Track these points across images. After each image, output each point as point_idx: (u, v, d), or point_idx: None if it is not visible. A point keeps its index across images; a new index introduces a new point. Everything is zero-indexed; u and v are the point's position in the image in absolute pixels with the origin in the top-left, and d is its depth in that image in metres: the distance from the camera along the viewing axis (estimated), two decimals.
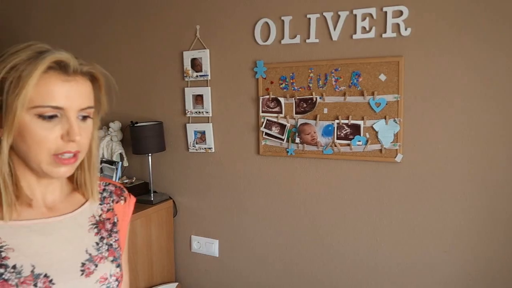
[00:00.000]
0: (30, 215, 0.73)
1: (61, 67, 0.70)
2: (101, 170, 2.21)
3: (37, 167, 0.70)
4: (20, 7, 2.66)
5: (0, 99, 0.67)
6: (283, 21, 1.89)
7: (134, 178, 2.33)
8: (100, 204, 0.86)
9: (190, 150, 2.21)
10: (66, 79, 0.70)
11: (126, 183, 2.26)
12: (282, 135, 1.95)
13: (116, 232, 0.87)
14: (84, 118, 0.73)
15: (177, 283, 2.28)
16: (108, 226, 0.86)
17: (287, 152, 1.95)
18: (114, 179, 2.12)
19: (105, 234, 0.84)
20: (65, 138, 0.69)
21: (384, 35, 1.71)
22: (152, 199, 2.17)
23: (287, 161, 1.99)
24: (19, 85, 0.66)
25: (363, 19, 1.74)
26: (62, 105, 0.69)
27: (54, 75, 0.69)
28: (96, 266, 0.79)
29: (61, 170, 0.71)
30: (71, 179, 0.83)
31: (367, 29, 1.74)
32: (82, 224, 0.80)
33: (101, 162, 2.22)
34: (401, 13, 1.67)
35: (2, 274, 0.67)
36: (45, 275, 0.70)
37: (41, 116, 0.68)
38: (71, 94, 0.70)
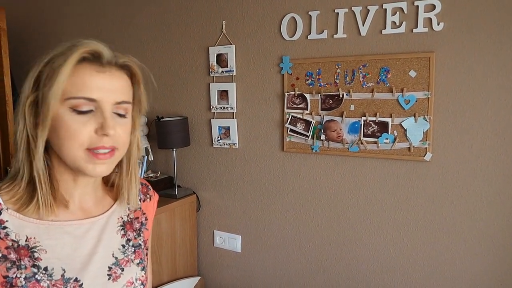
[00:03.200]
0: (65, 216, 0.72)
1: (95, 58, 0.68)
2: None
3: (73, 163, 0.68)
4: (53, 6, 2.73)
5: (36, 94, 0.67)
6: (310, 16, 1.87)
7: (159, 172, 2.36)
8: (128, 204, 0.84)
9: (214, 146, 2.22)
10: (101, 70, 0.68)
11: (151, 177, 2.29)
12: (307, 132, 1.93)
13: (144, 232, 0.86)
14: (121, 115, 0.71)
15: (199, 277, 2.30)
16: (137, 225, 0.84)
17: (312, 149, 1.93)
18: (139, 173, 2.15)
19: (132, 235, 0.82)
20: (99, 132, 0.67)
21: (415, 30, 1.66)
22: (176, 193, 2.19)
23: (311, 158, 1.96)
24: (52, 77, 0.65)
25: (393, 14, 1.69)
26: (96, 97, 0.67)
27: (88, 66, 0.67)
28: (123, 270, 0.78)
29: (97, 168, 0.68)
30: (105, 182, 0.82)
31: (397, 24, 1.69)
32: (112, 225, 0.79)
33: None
34: (433, 7, 1.62)
35: (35, 274, 0.67)
36: (76, 279, 0.70)
37: (75, 109, 0.66)
38: (106, 86, 0.68)
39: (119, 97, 0.70)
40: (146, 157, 2.23)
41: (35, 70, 0.67)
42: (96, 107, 0.67)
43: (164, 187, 2.28)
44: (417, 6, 1.64)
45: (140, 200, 0.87)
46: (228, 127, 2.16)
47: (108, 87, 0.68)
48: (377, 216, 1.84)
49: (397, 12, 1.69)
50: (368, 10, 1.74)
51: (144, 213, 0.87)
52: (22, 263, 0.66)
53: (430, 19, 1.63)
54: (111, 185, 0.83)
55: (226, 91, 2.14)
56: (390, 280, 1.85)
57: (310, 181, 1.98)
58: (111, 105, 0.69)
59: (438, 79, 1.65)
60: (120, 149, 0.71)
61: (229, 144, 2.17)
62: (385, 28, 1.72)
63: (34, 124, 0.68)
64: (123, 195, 0.80)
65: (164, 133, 2.16)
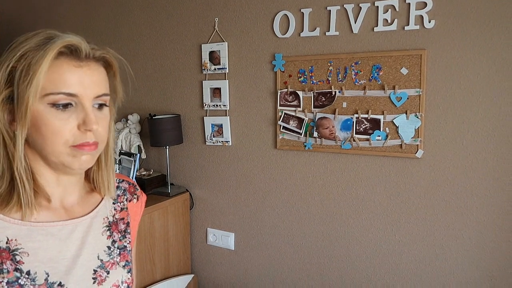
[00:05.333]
0: (48, 217, 0.69)
1: (72, 52, 0.65)
2: (120, 162, 2.24)
3: (57, 159, 0.66)
4: (45, 4, 2.70)
5: (11, 90, 0.64)
6: (302, 13, 1.87)
7: (152, 170, 2.35)
8: (114, 203, 0.82)
9: (207, 143, 2.21)
10: (79, 65, 0.65)
11: (144, 175, 2.28)
12: (300, 129, 1.93)
13: (129, 233, 0.83)
14: (101, 106, 0.69)
15: (192, 275, 2.30)
16: (122, 226, 0.81)
17: (305, 146, 1.93)
18: (132, 171, 2.14)
19: (117, 236, 0.80)
20: (81, 127, 0.65)
21: (406, 28, 1.67)
22: (169, 191, 2.19)
23: (304, 155, 1.97)
24: (29, 73, 0.62)
25: (385, 11, 1.70)
26: (76, 92, 0.65)
27: (66, 61, 0.65)
28: (108, 273, 0.75)
29: (82, 159, 0.66)
30: (88, 178, 0.79)
31: (389, 21, 1.70)
32: (97, 227, 0.76)
33: (120, 154, 2.24)
34: (425, 4, 1.63)
35: (19, 278, 0.64)
36: (60, 284, 0.67)
37: (55, 105, 0.64)
38: (85, 80, 0.66)
39: (99, 90, 0.68)
40: (138, 155, 2.22)
41: (5, 64, 0.64)
42: (77, 102, 0.65)
43: (157, 185, 2.27)
44: (409, 3, 1.65)
45: (126, 200, 0.85)
46: (221, 125, 2.16)
47: (88, 82, 0.66)
48: (369, 212, 1.85)
49: (389, 10, 1.69)
50: (360, 8, 1.74)
51: (128, 214, 0.85)
52: (4, 267, 0.63)
53: (422, 17, 1.64)
54: (93, 182, 0.79)
55: (219, 89, 2.13)
56: (382, 276, 1.86)
57: (303, 178, 1.99)
58: (91, 99, 0.67)
59: (430, 76, 1.66)
60: (101, 142, 0.70)
61: (222, 141, 2.17)
62: (377, 26, 1.72)
63: (9, 121, 0.65)
64: (105, 188, 0.78)
65: (157, 130, 2.15)
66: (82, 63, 0.66)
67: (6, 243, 0.65)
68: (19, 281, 0.64)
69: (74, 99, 0.65)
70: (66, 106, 0.65)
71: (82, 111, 0.66)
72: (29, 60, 0.63)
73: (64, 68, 0.64)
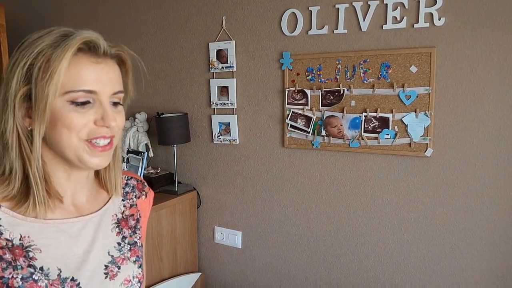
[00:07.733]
0: (59, 214, 0.71)
1: (90, 49, 0.66)
2: (127, 161, 2.25)
3: (74, 155, 0.66)
4: (52, 2, 2.72)
5: (29, 88, 0.63)
6: (310, 11, 1.86)
7: (159, 168, 2.36)
8: (123, 200, 0.83)
9: (214, 142, 2.21)
10: (97, 61, 0.66)
11: (151, 173, 2.29)
12: (308, 128, 1.93)
13: (139, 229, 0.84)
14: (115, 104, 0.70)
15: (200, 273, 2.30)
16: (132, 222, 0.83)
17: (313, 145, 1.93)
18: (139, 169, 2.15)
19: (127, 232, 0.81)
20: (99, 123, 0.66)
21: (416, 25, 1.65)
22: (176, 189, 2.19)
23: (312, 154, 1.96)
24: (49, 70, 0.61)
25: (394, 9, 1.68)
26: (95, 89, 0.65)
27: (85, 57, 0.65)
28: (119, 268, 0.76)
29: (97, 160, 0.68)
30: (97, 175, 0.80)
31: (398, 19, 1.68)
32: (106, 223, 0.78)
33: (127, 152, 2.25)
34: (434, 2, 1.61)
35: (32, 274, 0.65)
36: (72, 279, 0.68)
37: (74, 102, 0.64)
38: (103, 77, 0.66)
39: (115, 87, 0.69)
40: (146, 153, 2.23)
41: (22, 62, 0.63)
42: (95, 98, 0.66)
43: (165, 183, 2.28)
44: (418, 1, 1.63)
45: (135, 197, 0.86)
46: (229, 123, 2.15)
47: (105, 78, 0.67)
48: (378, 212, 1.84)
49: (398, 7, 1.68)
50: (369, 5, 1.73)
51: (138, 210, 0.86)
52: (18, 263, 0.64)
53: (431, 14, 1.62)
54: (102, 180, 0.80)
55: (226, 87, 2.13)
56: (390, 275, 1.85)
57: (311, 177, 1.98)
58: (109, 96, 0.68)
59: (439, 74, 1.65)
60: (117, 137, 0.71)
61: (229, 140, 2.17)
62: (386, 23, 1.71)
63: (25, 119, 0.65)
64: (112, 186, 0.79)
65: (164, 129, 2.16)
66: (100, 59, 0.66)
67: (20, 240, 0.65)
68: (33, 276, 0.65)
69: (93, 96, 0.66)
70: (84, 103, 0.65)
71: (100, 108, 0.66)
72: (48, 57, 0.62)
73: (83, 64, 0.64)
